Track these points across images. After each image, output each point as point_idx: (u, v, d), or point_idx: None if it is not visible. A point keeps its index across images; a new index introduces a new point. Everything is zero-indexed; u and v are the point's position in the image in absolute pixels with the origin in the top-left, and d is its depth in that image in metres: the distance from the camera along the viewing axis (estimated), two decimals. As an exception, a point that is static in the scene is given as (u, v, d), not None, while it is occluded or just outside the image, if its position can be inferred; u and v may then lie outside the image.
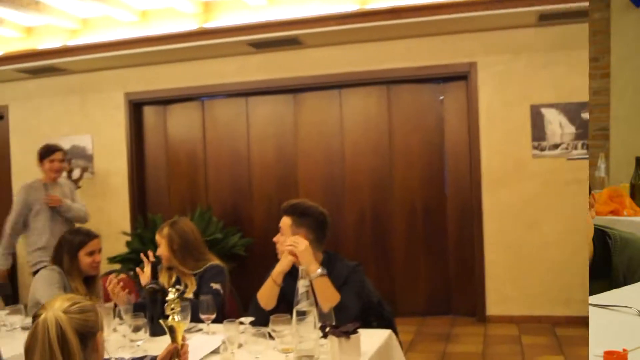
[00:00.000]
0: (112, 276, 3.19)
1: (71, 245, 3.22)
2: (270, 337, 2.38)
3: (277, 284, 2.80)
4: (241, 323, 2.57)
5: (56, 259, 3.24)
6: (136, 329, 2.56)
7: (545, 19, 5.45)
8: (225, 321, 2.44)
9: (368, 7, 5.54)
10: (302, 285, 2.44)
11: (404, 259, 6.30)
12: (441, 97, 6.20)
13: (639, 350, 1.48)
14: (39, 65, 6.59)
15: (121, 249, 6.29)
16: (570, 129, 5.68)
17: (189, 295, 3.15)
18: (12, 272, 7.06)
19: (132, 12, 6.01)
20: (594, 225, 2.41)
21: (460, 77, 6.03)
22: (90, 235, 3.28)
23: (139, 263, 3.33)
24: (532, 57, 5.76)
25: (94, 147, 7.01)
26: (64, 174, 6.58)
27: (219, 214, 6.61)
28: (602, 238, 2.41)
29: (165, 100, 6.94)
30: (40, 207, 5.00)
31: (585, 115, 5.63)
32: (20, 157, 7.28)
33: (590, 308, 1.88)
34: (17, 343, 2.33)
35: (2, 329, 2.96)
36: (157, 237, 3.32)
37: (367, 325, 2.94)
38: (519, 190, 5.81)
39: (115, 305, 2.88)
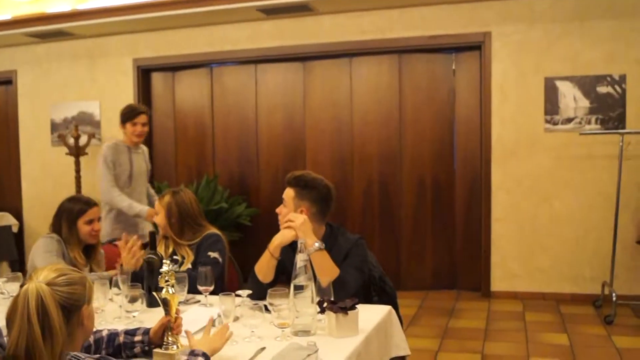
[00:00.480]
0: (126, 236, 3.11)
1: (70, 214, 3.18)
2: (267, 310, 2.33)
3: (274, 257, 2.74)
4: (238, 295, 2.53)
5: (55, 227, 3.20)
6: (132, 300, 2.52)
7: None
8: (221, 294, 2.40)
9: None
10: (300, 259, 2.39)
11: (411, 232, 6.25)
12: (453, 68, 6.08)
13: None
14: (48, 29, 6.55)
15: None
16: (585, 103, 5.55)
17: (187, 266, 3.11)
18: (19, 237, 7.11)
19: (141, -24, 5.92)
20: None
21: (474, 47, 5.89)
22: (89, 204, 3.24)
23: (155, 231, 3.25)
24: (548, 27, 5.61)
25: (102, 114, 6.97)
26: (71, 140, 6.57)
27: (225, 182, 6.58)
28: None
29: (174, 67, 6.86)
30: (121, 171, 4.63)
31: (600, 89, 5.50)
32: (29, 121, 7.28)
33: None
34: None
35: (0, 297, 2.95)
36: (157, 205, 3.29)
37: (368, 300, 2.91)
38: (530, 165, 5.72)
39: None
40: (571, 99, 5.57)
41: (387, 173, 6.27)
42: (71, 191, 6.23)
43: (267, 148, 6.64)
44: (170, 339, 2.10)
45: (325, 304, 2.34)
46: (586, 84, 5.53)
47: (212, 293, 2.74)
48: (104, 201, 4.55)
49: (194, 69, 6.83)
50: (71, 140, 6.60)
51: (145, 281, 2.73)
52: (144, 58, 6.81)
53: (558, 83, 5.60)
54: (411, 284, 6.17)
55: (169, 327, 2.11)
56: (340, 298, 2.37)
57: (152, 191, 5.11)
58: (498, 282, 5.86)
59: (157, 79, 7.01)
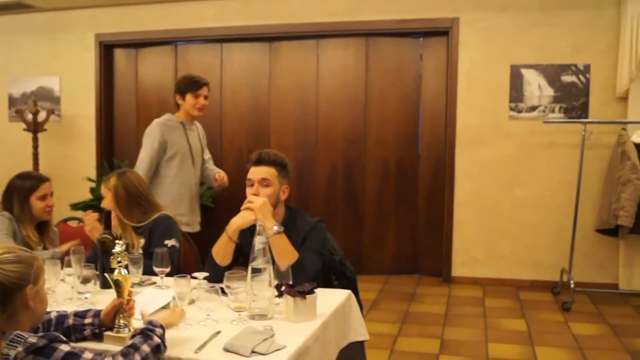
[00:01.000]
0: (89, 211, 3.07)
1: (21, 190, 3.09)
2: (224, 293, 2.28)
3: (232, 241, 2.67)
4: (194, 277, 2.47)
5: (5, 205, 3.10)
6: (85, 281, 2.45)
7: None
8: (175, 276, 2.33)
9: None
10: (258, 241, 2.34)
11: (374, 216, 6.24)
12: (421, 53, 6.06)
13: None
14: (7, 1, 6.32)
15: (86, 195, 6.15)
16: (549, 92, 5.58)
17: (137, 251, 3.01)
18: None
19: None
20: None
21: (442, 32, 5.87)
22: (41, 179, 3.15)
23: (102, 210, 3.18)
24: (517, 15, 5.62)
25: (62, 89, 6.79)
26: (29, 115, 6.38)
27: (188, 163, 6.46)
28: None
29: (138, 44, 6.70)
30: (176, 152, 4.21)
31: (565, 78, 5.53)
32: (-14, 95, 7.05)
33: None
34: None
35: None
36: (103, 189, 3.15)
37: (329, 284, 2.88)
38: (494, 152, 5.75)
39: (67, 254, 2.75)
40: (536, 87, 5.60)
41: (351, 156, 6.24)
42: (28, 168, 6.06)
43: (230, 128, 6.54)
44: (122, 321, 2.05)
45: (283, 288, 2.30)
46: (551, 73, 5.56)
47: (169, 275, 2.68)
48: None
49: (158, 46, 6.68)
50: (29, 116, 6.42)
51: (99, 261, 2.65)
52: (107, 33, 6.63)
53: (524, 71, 5.62)
54: (373, 268, 6.17)
55: (121, 310, 2.05)
56: (299, 282, 2.33)
57: (211, 165, 4.67)
58: (459, 268, 5.89)
59: (120, 55, 6.84)
